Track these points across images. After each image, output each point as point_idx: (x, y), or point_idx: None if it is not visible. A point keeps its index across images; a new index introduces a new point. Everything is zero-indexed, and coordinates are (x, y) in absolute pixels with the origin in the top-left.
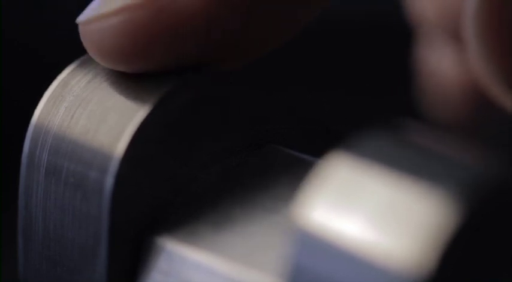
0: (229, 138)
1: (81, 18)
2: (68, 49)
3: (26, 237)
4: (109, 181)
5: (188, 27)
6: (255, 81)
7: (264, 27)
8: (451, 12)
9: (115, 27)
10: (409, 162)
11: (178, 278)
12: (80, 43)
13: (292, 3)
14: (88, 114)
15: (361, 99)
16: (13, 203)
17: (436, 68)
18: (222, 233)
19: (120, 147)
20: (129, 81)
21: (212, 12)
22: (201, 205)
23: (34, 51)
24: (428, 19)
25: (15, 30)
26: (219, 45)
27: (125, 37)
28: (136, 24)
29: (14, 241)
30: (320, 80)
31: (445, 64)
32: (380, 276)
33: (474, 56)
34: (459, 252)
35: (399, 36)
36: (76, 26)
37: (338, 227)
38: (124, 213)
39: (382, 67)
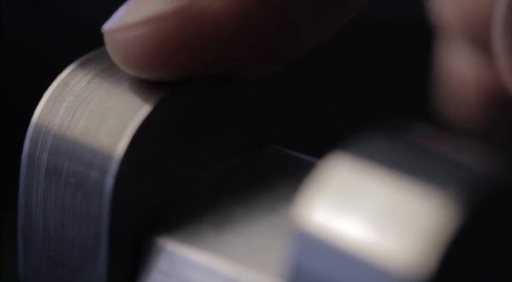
0: (229, 139)
1: (107, 27)
2: (68, 49)
3: (26, 237)
4: (109, 181)
5: (216, 36)
6: (255, 81)
7: (298, 31)
8: (473, 16)
9: (142, 37)
10: (409, 162)
11: (179, 278)
12: (80, 43)
13: (328, 2)
14: (88, 114)
15: (362, 99)
16: (13, 203)
17: (454, 69)
18: (222, 233)
19: (120, 147)
20: (129, 81)
21: (242, 21)
22: (201, 205)
23: (34, 51)
24: (449, 21)
25: (15, 30)
26: (250, 52)
27: (152, 47)
28: (164, 34)
29: (14, 241)
30: (320, 80)
31: (463, 66)
32: (380, 277)
33: (502, 61)
34: (460, 253)
35: (402, 36)
36: (76, 26)
37: (338, 228)
38: (124, 213)
39: (383, 67)
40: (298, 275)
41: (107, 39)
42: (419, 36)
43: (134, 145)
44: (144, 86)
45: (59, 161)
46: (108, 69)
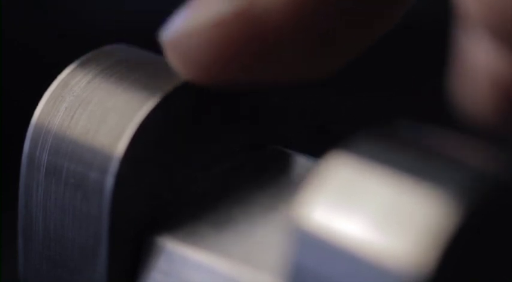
0: (229, 139)
1: (167, 35)
2: (67, 49)
3: (26, 237)
4: (109, 181)
5: (277, 37)
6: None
7: (353, 31)
8: (496, 7)
9: (205, 43)
10: (409, 162)
11: (179, 278)
12: (80, 43)
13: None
14: (88, 114)
15: (362, 99)
16: (13, 203)
17: (473, 62)
18: (222, 233)
19: (120, 147)
20: (129, 81)
21: (301, 19)
22: (201, 205)
23: (34, 51)
24: (471, 12)
25: (15, 30)
26: (309, 54)
27: (215, 53)
28: (226, 39)
29: (14, 241)
30: (321, 80)
31: (483, 59)
32: (380, 276)
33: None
34: (459, 252)
35: (403, 35)
36: (76, 26)
37: (338, 227)
38: (124, 213)
39: (382, 67)
40: (298, 274)
41: (168, 47)
42: (422, 36)
43: (134, 145)
44: (144, 87)
45: (59, 161)
46: (108, 69)
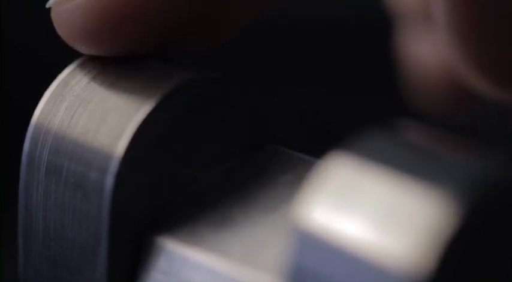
0: (229, 139)
1: (51, 1)
2: (68, 49)
3: (26, 237)
4: (109, 181)
5: (155, 6)
6: (255, 81)
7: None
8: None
9: (82, 6)
10: (408, 162)
11: (179, 278)
12: None
13: None
14: (88, 114)
15: (362, 99)
16: (13, 203)
17: (416, 56)
18: (222, 233)
19: (120, 147)
20: (129, 81)
21: None
22: (202, 205)
23: (34, 51)
24: (406, 7)
25: (15, 30)
26: (186, 24)
27: (93, 16)
28: (103, 3)
29: (14, 241)
30: (320, 80)
31: (425, 52)
32: (380, 277)
33: (446, 42)
34: (459, 252)
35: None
36: None
37: (338, 227)
38: (124, 213)
39: (383, 67)
40: (298, 274)
41: (52, 13)
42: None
43: (134, 145)
44: (143, 86)
45: (59, 160)
46: (108, 69)
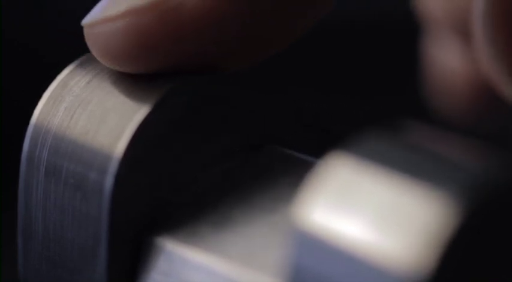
0: (229, 139)
1: (86, 21)
2: (68, 49)
3: (25, 237)
4: (109, 181)
5: (192, 30)
6: (255, 81)
7: (268, 28)
8: (459, 9)
9: (120, 30)
10: (408, 163)
11: (178, 279)
12: (80, 43)
13: (298, 3)
14: (88, 114)
15: (362, 99)
16: (13, 203)
17: (443, 64)
18: (222, 233)
19: (119, 147)
20: (129, 81)
21: (217, 16)
22: (201, 205)
23: (34, 51)
24: (436, 16)
25: (15, 30)
26: (223, 47)
27: (129, 40)
28: (141, 27)
29: (14, 241)
30: (320, 80)
31: (452, 61)
32: (379, 277)
33: (483, 53)
34: (459, 253)
35: (399, 36)
36: (76, 26)
37: (338, 228)
38: (124, 213)
39: (383, 67)
40: (297, 275)
41: (86, 32)
42: (420, 37)
43: (134, 145)
44: (143, 86)
45: (59, 161)
46: (107, 69)
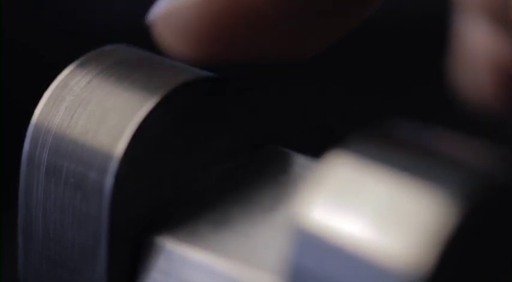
0: (229, 139)
1: (154, 13)
2: (68, 49)
3: (26, 236)
4: (109, 181)
5: (265, 14)
6: (255, 81)
7: (334, 16)
8: None
9: (194, 16)
10: (408, 162)
11: (178, 278)
12: (80, 43)
13: None
14: (88, 114)
15: (361, 99)
16: (13, 203)
17: (472, 46)
18: (222, 232)
19: (120, 147)
20: (129, 81)
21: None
22: (202, 205)
23: (34, 51)
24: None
25: (15, 30)
26: (290, 35)
27: (203, 25)
28: (215, 12)
29: (14, 241)
30: (320, 80)
31: (482, 43)
32: (379, 276)
33: None
34: (458, 252)
35: (402, 36)
36: (76, 26)
37: (338, 227)
38: (124, 213)
39: (383, 67)
40: (298, 274)
41: (156, 24)
42: (419, 37)
43: (134, 145)
44: (143, 87)
45: (59, 161)
46: (107, 69)
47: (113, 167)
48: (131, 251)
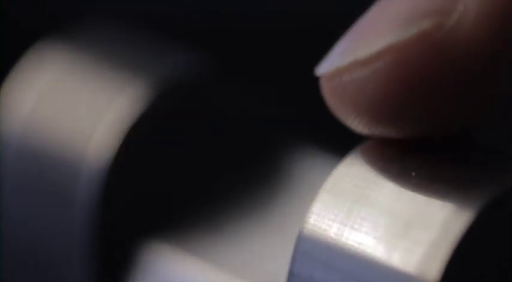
0: (229, 141)
1: (325, 69)
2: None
3: (8, 242)
4: (101, 184)
5: (469, 65)
6: (255, 81)
7: None
8: None
9: (379, 73)
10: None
11: None
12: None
13: None
14: (76, 115)
15: None
16: None
17: None
18: (218, 238)
19: (112, 150)
20: (116, 86)
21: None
22: (198, 209)
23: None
24: None
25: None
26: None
27: (393, 86)
28: (409, 67)
29: None
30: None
31: None
32: None
33: None
34: (465, 256)
35: None
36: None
37: (340, 236)
38: (117, 217)
39: None
40: None
41: (326, 83)
42: None
43: (126, 148)
44: (137, 87)
45: (49, 164)
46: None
47: (105, 169)
48: (124, 254)
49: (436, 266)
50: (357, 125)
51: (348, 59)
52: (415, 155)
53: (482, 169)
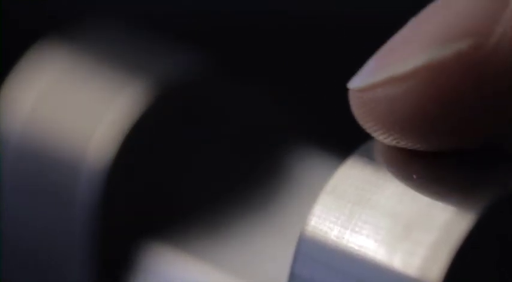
0: (228, 141)
1: (357, 83)
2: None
3: (11, 241)
4: (101, 185)
5: (502, 86)
6: (255, 81)
7: None
8: None
9: (413, 91)
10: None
11: None
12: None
13: None
14: (76, 119)
15: None
16: None
17: None
18: (218, 239)
19: (111, 153)
20: (115, 87)
21: None
22: (198, 210)
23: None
24: None
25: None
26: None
27: (426, 104)
28: (442, 87)
29: None
30: (320, 81)
31: None
32: None
33: None
34: (467, 260)
35: None
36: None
37: (341, 239)
38: (116, 218)
39: None
40: None
41: (357, 98)
42: None
43: (126, 149)
44: (137, 90)
45: (48, 165)
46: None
47: (104, 171)
48: (122, 256)
49: (437, 268)
50: (385, 138)
51: (383, 75)
52: (417, 157)
53: (483, 171)
